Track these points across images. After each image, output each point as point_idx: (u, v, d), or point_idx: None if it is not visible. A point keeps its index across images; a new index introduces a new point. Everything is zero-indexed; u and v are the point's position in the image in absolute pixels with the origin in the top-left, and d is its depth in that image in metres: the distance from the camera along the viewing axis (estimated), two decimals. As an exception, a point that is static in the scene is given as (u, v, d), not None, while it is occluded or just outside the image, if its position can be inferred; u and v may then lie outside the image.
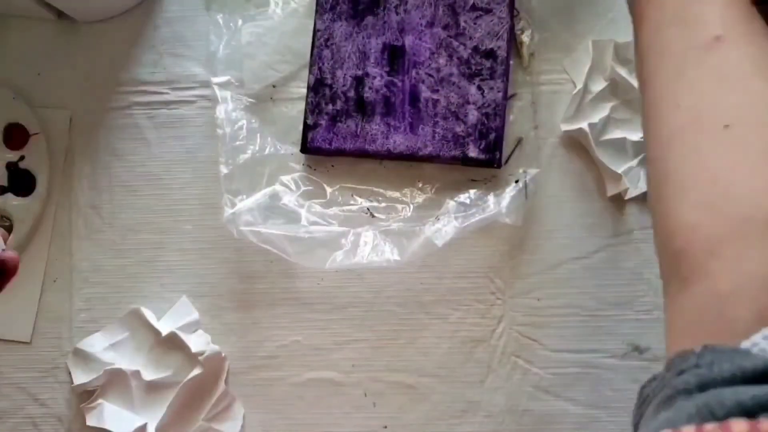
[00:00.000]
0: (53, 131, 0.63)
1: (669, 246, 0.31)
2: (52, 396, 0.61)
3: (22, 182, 0.62)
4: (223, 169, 0.59)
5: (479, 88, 0.60)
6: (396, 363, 0.60)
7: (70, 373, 0.60)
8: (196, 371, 0.57)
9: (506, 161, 0.61)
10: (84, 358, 0.59)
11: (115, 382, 0.59)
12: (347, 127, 0.60)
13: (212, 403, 0.58)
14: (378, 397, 0.60)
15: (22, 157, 0.62)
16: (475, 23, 0.60)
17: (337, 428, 0.60)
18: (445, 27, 0.60)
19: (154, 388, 0.58)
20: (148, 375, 0.58)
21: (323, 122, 0.60)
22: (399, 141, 0.60)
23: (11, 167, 0.62)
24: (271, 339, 0.61)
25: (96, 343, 0.60)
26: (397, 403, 0.60)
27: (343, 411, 0.60)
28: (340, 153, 0.60)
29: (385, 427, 0.60)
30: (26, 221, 0.62)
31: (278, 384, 0.60)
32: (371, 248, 0.58)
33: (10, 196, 0.62)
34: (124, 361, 0.59)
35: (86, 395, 0.59)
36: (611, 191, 0.60)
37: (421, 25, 0.60)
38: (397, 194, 0.61)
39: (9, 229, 0.62)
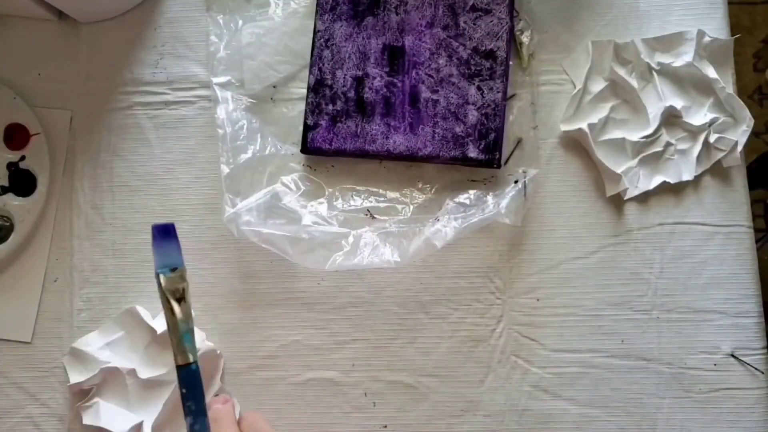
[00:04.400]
0: (54, 131, 0.63)
1: None
2: (53, 396, 0.61)
3: (22, 182, 0.62)
4: (224, 169, 0.59)
5: (479, 88, 0.60)
6: (396, 363, 0.60)
7: None
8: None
9: (506, 161, 0.61)
10: (80, 357, 0.59)
11: (110, 380, 0.59)
12: (347, 127, 0.60)
13: (208, 401, 0.58)
14: (378, 397, 0.60)
15: (22, 158, 0.62)
16: (474, 24, 0.60)
17: (337, 428, 0.60)
18: (445, 27, 0.60)
19: (150, 386, 0.58)
20: (144, 373, 0.58)
21: (323, 122, 0.60)
22: (399, 141, 0.60)
23: (12, 167, 0.62)
24: (271, 339, 0.61)
25: (92, 342, 0.60)
26: (397, 402, 0.60)
27: (343, 411, 0.60)
28: (340, 153, 0.61)
29: (385, 426, 0.60)
30: (27, 221, 0.62)
31: (278, 384, 0.60)
32: (371, 250, 0.58)
33: (11, 196, 0.62)
34: (120, 359, 0.59)
35: (82, 394, 0.59)
36: (610, 191, 0.60)
37: (420, 25, 0.61)
38: (396, 194, 0.61)
39: (10, 230, 0.62)
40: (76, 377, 0.58)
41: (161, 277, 0.38)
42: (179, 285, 0.38)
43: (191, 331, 0.39)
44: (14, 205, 0.62)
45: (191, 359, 0.39)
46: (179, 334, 0.38)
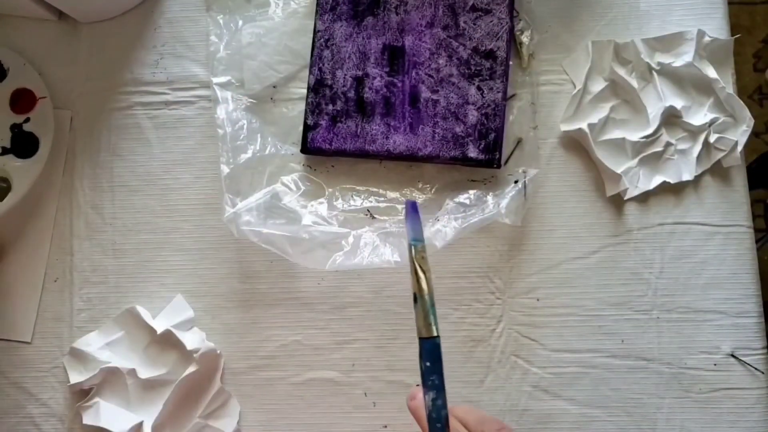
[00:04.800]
0: (54, 131, 0.63)
1: None
2: (53, 396, 0.61)
3: (24, 144, 0.61)
4: (224, 169, 0.59)
5: (479, 88, 0.60)
6: (396, 363, 0.60)
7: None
8: (192, 369, 0.57)
9: (506, 161, 0.61)
10: (80, 357, 0.59)
11: (111, 380, 0.59)
12: (347, 127, 0.60)
13: (208, 400, 0.58)
14: (378, 397, 0.60)
15: (27, 119, 0.61)
16: (474, 24, 0.60)
17: (337, 428, 0.60)
18: (445, 27, 0.60)
19: (149, 385, 0.58)
20: (144, 373, 0.58)
21: (323, 122, 0.60)
22: (399, 141, 0.60)
23: (15, 129, 0.61)
24: (271, 339, 0.61)
25: (92, 342, 0.60)
26: (397, 402, 0.60)
27: (343, 411, 0.60)
28: (341, 153, 0.61)
29: (385, 426, 0.60)
30: (24, 184, 0.61)
31: (278, 384, 0.60)
32: (371, 250, 0.58)
33: (11, 157, 0.61)
34: (120, 359, 0.59)
35: (83, 394, 0.59)
36: (610, 191, 0.60)
37: (420, 25, 0.61)
38: (397, 194, 0.61)
39: (6, 190, 0.61)
40: (76, 377, 0.59)
41: (413, 248, 0.37)
42: (425, 258, 0.38)
43: (434, 306, 0.38)
44: (14, 166, 0.61)
45: (435, 332, 0.38)
46: (426, 307, 0.38)
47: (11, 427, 0.61)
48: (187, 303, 0.61)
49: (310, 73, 0.61)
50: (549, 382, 0.59)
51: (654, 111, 0.60)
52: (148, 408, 0.58)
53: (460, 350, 0.60)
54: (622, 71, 0.60)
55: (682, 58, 0.60)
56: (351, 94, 0.60)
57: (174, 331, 0.58)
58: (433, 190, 0.61)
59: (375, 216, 0.61)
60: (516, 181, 0.60)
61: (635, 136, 0.60)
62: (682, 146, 0.60)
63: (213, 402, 0.59)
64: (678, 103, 0.60)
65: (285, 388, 0.60)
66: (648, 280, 0.60)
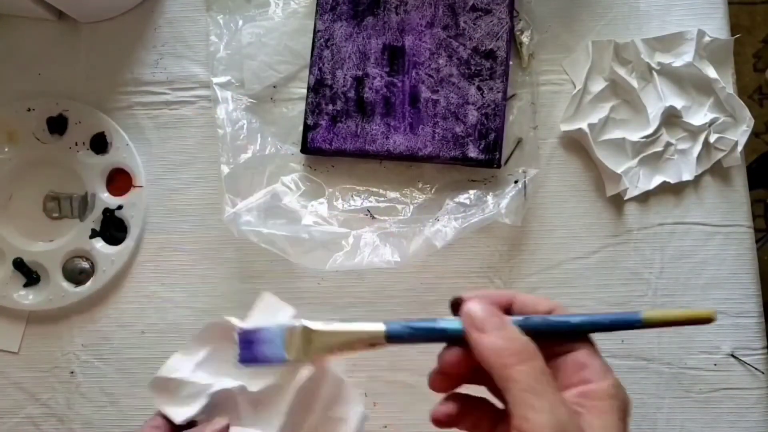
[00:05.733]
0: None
1: None
2: (53, 396, 0.61)
3: (113, 231, 0.62)
4: (225, 169, 0.59)
5: (479, 88, 0.60)
6: (396, 363, 0.60)
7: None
8: (306, 371, 0.45)
9: (506, 161, 0.61)
10: (173, 387, 0.47)
11: (221, 404, 0.48)
12: (347, 127, 0.60)
13: (326, 390, 0.47)
14: (378, 397, 0.60)
15: (120, 206, 0.61)
16: (474, 24, 0.60)
17: (337, 428, 0.60)
18: (445, 27, 0.60)
19: (264, 397, 0.47)
20: (255, 385, 0.46)
21: (323, 122, 0.60)
22: (399, 141, 0.60)
23: (107, 213, 0.61)
24: (271, 339, 0.61)
25: (180, 367, 0.48)
26: (397, 402, 0.60)
27: (343, 411, 0.60)
28: (341, 153, 0.61)
29: (386, 426, 0.60)
30: (108, 271, 0.61)
31: (278, 384, 0.60)
32: (371, 250, 0.58)
33: (99, 241, 0.61)
34: (221, 378, 0.48)
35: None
36: (610, 191, 0.60)
37: (421, 25, 0.61)
38: (397, 194, 0.61)
39: (90, 273, 0.61)
40: (181, 414, 0.46)
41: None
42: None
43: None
44: (101, 252, 0.61)
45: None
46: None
47: (11, 427, 0.61)
48: (279, 299, 0.49)
49: (310, 73, 0.61)
50: (549, 382, 0.59)
51: (654, 111, 0.60)
52: (269, 420, 0.46)
53: (460, 350, 0.60)
54: (622, 71, 0.60)
55: (682, 58, 0.60)
56: (351, 94, 0.60)
57: None
58: (433, 190, 0.61)
59: (375, 216, 0.61)
60: (516, 181, 0.60)
61: (635, 136, 0.60)
62: (682, 146, 0.60)
63: (331, 390, 0.47)
64: (678, 103, 0.60)
65: (285, 388, 0.60)
66: (648, 280, 0.60)
